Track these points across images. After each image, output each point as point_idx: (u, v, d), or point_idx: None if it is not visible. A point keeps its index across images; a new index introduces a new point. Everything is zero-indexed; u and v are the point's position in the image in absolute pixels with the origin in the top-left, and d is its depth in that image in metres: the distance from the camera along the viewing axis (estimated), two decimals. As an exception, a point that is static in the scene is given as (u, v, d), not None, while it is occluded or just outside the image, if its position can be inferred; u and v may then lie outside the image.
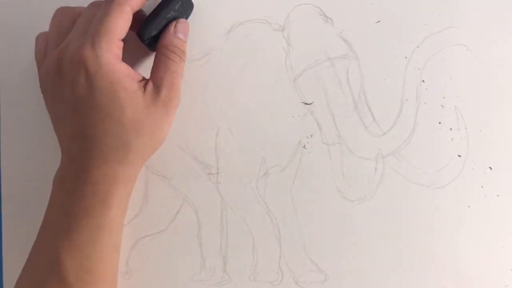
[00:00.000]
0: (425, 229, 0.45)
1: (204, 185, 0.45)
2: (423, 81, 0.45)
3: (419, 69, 0.45)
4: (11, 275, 0.45)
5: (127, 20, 0.39)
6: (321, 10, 0.46)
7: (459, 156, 0.45)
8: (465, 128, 0.45)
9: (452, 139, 0.45)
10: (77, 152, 0.38)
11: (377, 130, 0.45)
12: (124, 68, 0.38)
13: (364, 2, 0.46)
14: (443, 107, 0.45)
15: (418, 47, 0.45)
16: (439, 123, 0.45)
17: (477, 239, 0.45)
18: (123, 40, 0.39)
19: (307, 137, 0.45)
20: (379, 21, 0.46)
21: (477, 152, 0.45)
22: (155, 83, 0.39)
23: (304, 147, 0.45)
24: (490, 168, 0.45)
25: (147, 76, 0.41)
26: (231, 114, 0.45)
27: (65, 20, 0.41)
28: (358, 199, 0.45)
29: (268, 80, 0.45)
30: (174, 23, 0.42)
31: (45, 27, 0.44)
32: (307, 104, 0.46)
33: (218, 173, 0.45)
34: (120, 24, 0.38)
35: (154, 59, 0.41)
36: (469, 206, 0.45)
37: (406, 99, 0.45)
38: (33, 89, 0.45)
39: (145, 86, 0.39)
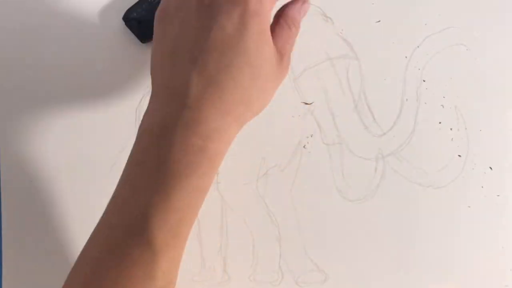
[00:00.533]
0: (425, 229, 0.45)
1: (204, 185, 0.45)
2: (423, 81, 0.45)
3: (419, 69, 0.45)
4: (11, 275, 0.45)
5: None
6: (321, 10, 0.46)
7: (459, 156, 0.45)
8: (465, 128, 0.45)
9: (452, 139, 0.45)
10: (194, 96, 0.32)
11: (377, 130, 0.45)
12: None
13: (364, 2, 0.45)
14: (443, 107, 0.45)
15: (418, 47, 0.45)
16: (439, 123, 0.45)
17: (477, 239, 0.45)
18: None
19: (307, 137, 0.45)
20: (379, 21, 0.46)
21: (477, 152, 0.45)
22: (278, 49, 0.36)
23: (304, 147, 0.45)
24: (490, 168, 0.45)
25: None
26: (231, 114, 0.45)
27: None
28: (358, 199, 0.45)
29: (268, 80, 0.45)
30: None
31: (45, 27, 0.45)
32: (307, 104, 0.46)
33: (218, 173, 0.45)
34: None
35: (274, 26, 0.37)
36: (469, 206, 0.45)
37: (406, 99, 0.45)
38: (33, 88, 0.45)
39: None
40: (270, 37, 0.35)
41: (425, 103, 0.45)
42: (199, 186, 0.33)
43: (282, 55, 0.36)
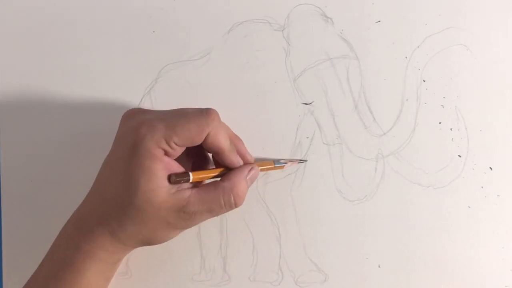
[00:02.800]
0: (425, 229, 0.45)
1: (204, 185, 0.45)
2: (424, 81, 0.45)
3: (419, 69, 0.45)
4: (11, 275, 0.45)
5: (198, 136, 0.37)
6: (321, 10, 0.46)
7: (459, 156, 0.45)
8: (465, 128, 0.45)
9: (452, 139, 0.45)
10: (84, 202, 0.39)
11: (377, 130, 0.45)
12: (165, 162, 0.37)
13: (364, 2, 0.46)
14: (443, 107, 0.45)
15: (418, 47, 0.45)
16: (439, 123, 0.45)
17: (477, 239, 0.45)
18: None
19: (307, 137, 0.45)
20: (379, 21, 0.46)
21: (477, 152, 0.45)
22: (190, 200, 0.38)
23: (304, 147, 0.45)
24: (490, 168, 0.45)
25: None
26: (231, 114, 0.45)
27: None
28: (358, 199, 0.45)
29: (268, 80, 0.45)
30: (249, 166, 0.40)
31: (45, 27, 0.45)
32: (307, 104, 0.46)
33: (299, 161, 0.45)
34: (189, 135, 0.37)
35: (213, 182, 0.39)
36: (469, 206, 0.45)
37: (406, 99, 0.45)
38: (33, 88, 0.45)
39: (180, 192, 0.37)
40: (155, 173, 0.36)
41: (425, 103, 0.45)
42: (68, 279, 0.38)
43: (187, 207, 0.38)
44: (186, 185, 0.38)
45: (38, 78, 0.45)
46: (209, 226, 0.45)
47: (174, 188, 0.37)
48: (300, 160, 0.45)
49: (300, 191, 0.45)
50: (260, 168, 0.41)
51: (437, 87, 0.45)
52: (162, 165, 0.36)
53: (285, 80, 0.45)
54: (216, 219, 0.45)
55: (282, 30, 0.46)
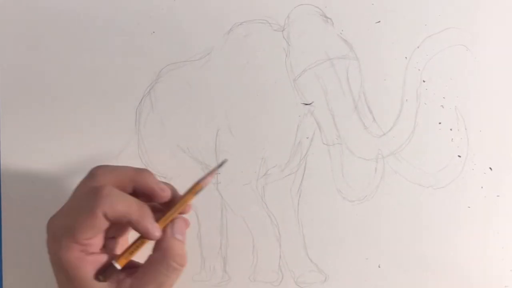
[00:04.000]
0: (425, 229, 0.45)
1: (204, 185, 0.45)
2: (423, 81, 0.45)
3: (419, 70, 0.45)
4: (11, 275, 0.45)
5: (97, 222, 0.34)
6: (321, 10, 0.46)
7: (459, 156, 0.45)
8: (465, 129, 0.45)
9: (452, 139, 0.45)
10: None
11: (377, 130, 0.45)
12: (89, 264, 0.35)
13: (364, 2, 0.46)
14: (443, 107, 0.45)
15: (418, 47, 0.45)
16: (439, 123, 0.45)
17: (477, 240, 0.45)
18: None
19: (307, 137, 0.45)
20: (379, 21, 0.46)
21: (477, 153, 0.45)
22: (132, 287, 0.36)
23: (304, 147, 0.45)
24: (490, 168, 0.45)
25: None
26: (231, 114, 0.45)
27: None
28: (358, 199, 0.45)
29: (268, 80, 0.45)
30: (171, 223, 0.38)
31: (44, 27, 0.44)
32: (307, 104, 0.46)
33: (218, 173, 0.45)
34: (88, 226, 0.34)
35: (147, 259, 0.37)
36: (469, 207, 0.45)
37: (406, 100, 0.45)
38: (33, 88, 0.45)
39: (120, 286, 0.36)
40: (85, 280, 0.35)
41: (425, 103, 0.45)
42: None
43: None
44: (121, 274, 0.36)
45: (38, 78, 0.45)
46: (209, 226, 0.45)
47: (114, 283, 0.36)
48: (219, 165, 0.41)
49: (300, 191, 0.45)
50: (180, 212, 0.38)
51: (437, 87, 0.45)
52: (93, 266, 0.35)
53: (285, 80, 0.45)
54: (216, 219, 0.45)
55: (282, 31, 0.46)
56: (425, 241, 0.45)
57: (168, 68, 0.46)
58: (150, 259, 0.37)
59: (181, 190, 0.45)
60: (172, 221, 0.38)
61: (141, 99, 0.45)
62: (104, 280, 0.36)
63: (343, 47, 0.46)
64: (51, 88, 0.45)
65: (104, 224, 0.35)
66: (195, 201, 0.45)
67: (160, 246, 0.37)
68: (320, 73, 0.46)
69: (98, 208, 0.34)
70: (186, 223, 0.39)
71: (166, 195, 0.38)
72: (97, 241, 0.36)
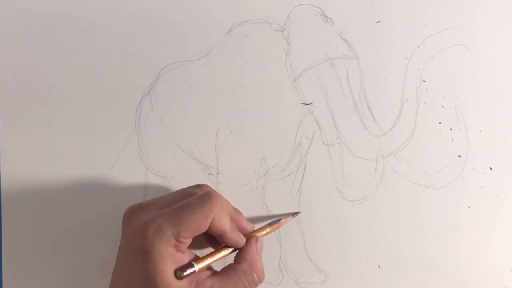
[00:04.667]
0: (425, 229, 0.45)
1: (204, 185, 0.45)
2: (423, 81, 0.45)
3: (419, 69, 0.45)
4: (11, 275, 0.45)
5: (204, 224, 0.37)
6: (321, 10, 0.46)
7: (459, 156, 0.45)
8: (465, 129, 0.45)
9: (452, 139, 0.45)
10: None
11: (377, 130, 0.45)
12: (177, 261, 0.37)
13: (364, 2, 0.45)
14: (443, 107, 0.45)
15: (418, 47, 0.45)
16: (439, 123, 0.45)
17: (477, 240, 0.45)
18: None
19: (307, 137, 0.45)
20: (379, 21, 0.46)
21: (477, 153, 0.45)
22: None
23: (304, 147, 0.45)
24: (490, 168, 0.45)
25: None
26: (231, 114, 0.45)
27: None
28: (358, 199, 0.45)
29: (268, 80, 0.45)
30: (254, 238, 0.41)
31: (44, 27, 0.44)
32: (307, 104, 0.46)
33: (218, 173, 0.45)
34: (196, 226, 0.37)
35: (230, 266, 0.40)
36: (469, 207, 0.45)
37: (406, 99, 0.45)
38: (33, 89, 0.45)
39: (200, 285, 0.38)
40: (167, 276, 0.36)
41: (425, 103, 0.45)
42: None
43: None
44: (204, 274, 0.38)
45: (38, 79, 0.45)
46: (209, 226, 0.45)
47: (193, 282, 0.37)
48: (294, 213, 0.45)
49: (300, 191, 0.45)
50: (262, 235, 0.42)
51: (437, 87, 0.45)
52: (176, 264, 0.37)
53: (285, 80, 0.45)
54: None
55: (282, 30, 0.46)
56: (425, 241, 0.45)
57: (168, 68, 0.46)
58: (235, 267, 0.39)
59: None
60: (256, 237, 0.41)
61: (141, 99, 0.45)
62: (182, 277, 0.37)
63: (343, 47, 0.46)
64: (51, 88, 0.45)
65: (206, 228, 0.37)
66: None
67: (245, 258, 0.40)
68: (320, 73, 0.46)
69: (212, 213, 0.37)
70: (263, 244, 0.42)
71: (250, 229, 0.42)
72: (189, 241, 0.38)
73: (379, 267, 0.45)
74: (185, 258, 0.38)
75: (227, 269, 0.39)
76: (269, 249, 0.45)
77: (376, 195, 0.45)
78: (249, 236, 0.41)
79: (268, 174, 0.45)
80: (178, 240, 0.36)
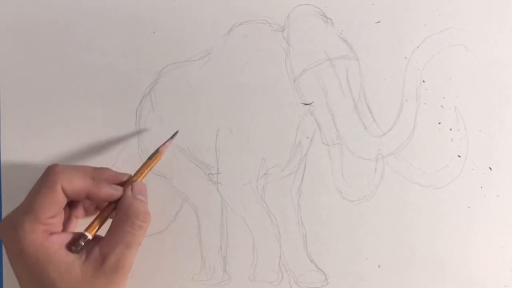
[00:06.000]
0: (425, 229, 0.45)
1: (204, 185, 0.45)
2: (423, 81, 0.45)
3: (419, 70, 0.45)
4: (11, 275, 0.45)
5: (56, 197, 0.36)
6: (321, 11, 0.46)
7: (459, 156, 0.45)
8: (465, 129, 0.45)
9: (452, 139, 0.45)
10: None
11: (377, 130, 0.45)
12: (55, 241, 0.36)
13: (364, 2, 0.46)
14: (443, 107, 0.45)
15: (418, 47, 0.45)
16: (439, 123, 0.45)
17: (477, 239, 0.45)
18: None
19: (307, 137, 0.45)
20: (379, 21, 0.46)
21: (477, 153, 0.45)
22: (102, 252, 0.37)
23: (304, 147, 0.45)
24: (490, 168, 0.45)
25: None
26: (231, 114, 0.45)
27: None
28: (358, 199, 0.45)
29: (268, 80, 0.45)
30: (129, 186, 0.40)
31: (44, 27, 0.44)
32: (307, 104, 0.46)
33: (218, 173, 0.45)
34: (47, 202, 0.36)
35: (111, 223, 0.39)
36: (469, 207, 0.45)
37: (406, 100, 0.45)
38: (33, 89, 0.45)
39: (89, 254, 0.37)
40: (58, 254, 0.36)
41: (425, 103, 0.45)
42: None
43: (104, 258, 0.37)
44: (91, 243, 0.37)
45: (38, 78, 0.45)
46: (209, 226, 0.45)
47: (83, 255, 0.37)
48: (172, 136, 0.43)
49: (300, 191, 0.45)
50: (139, 178, 0.41)
51: (436, 87, 0.46)
52: (56, 245, 0.36)
53: (285, 80, 0.45)
54: (216, 219, 0.45)
55: (282, 31, 0.46)
56: (425, 241, 0.45)
57: (168, 68, 0.46)
58: (114, 221, 0.38)
59: (182, 190, 0.46)
60: (131, 183, 0.40)
61: (141, 99, 0.45)
62: (78, 251, 0.36)
63: (343, 47, 0.46)
64: (51, 88, 0.45)
65: (64, 200, 0.37)
66: (196, 201, 0.45)
67: (120, 208, 0.38)
68: (320, 73, 0.46)
69: (57, 183, 0.36)
70: (145, 186, 0.40)
71: (124, 177, 0.41)
72: (58, 220, 0.37)
73: (379, 267, 0.45)
74: (66, 236, 0.37)
75: (110, 227, 0.38)
76: (269, 249, 0.45)
77: (376, 195, 0.45)
78: (128, 184, 0.40)
79: (268, 174, 0.45)
80: (41, 223, 0.36)
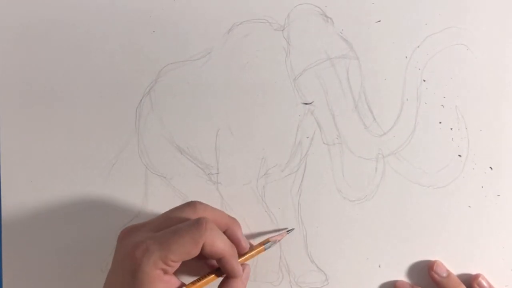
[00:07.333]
0: (425, 229, 0.45)
1: (204, 185, 0.45)
2: (424, 80, 0.45)
3: (419, 69, 0.45)
4: (11, 275, 0.45)
5: (194, 249, 0.37)
6: (321, 10, 0.46)
7: (459, 156, 0.45)
8: (466, 128, 0.45)
9: (452, 139, 0.45)
10: None
11: (378, 130, 0.45)
12: (166, 282, 0.37)
13: (364, 2, 0.45)
14: (443, 107, 0.45)
15: (418, 47, 0.45)
16: (440, 123, 0.45)
17: (477, 239, 0.45)
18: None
19: (307, 137, 0.45)
20: (379, 21, 0.46)
21: (478, 152, 0.45)
22: None
23: (304, 147, 0.45)
24: (491, 168, 0.45)
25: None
26: (231, 114, 0.45)
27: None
28: (358, 199, 0.45)
29: (268, 80, 0.45)
30: (244, 268, 0.42)
31: (44, 27, 0.44)
32: (307, 103, 0.45)
33: (218, 173, 0.45)
34: (184, 250, 0.37)
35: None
36: (469, 206, 0.45)
37: (407, 99, 0.45)
38: (33, 89, 0.45)
39: None
40: None
41: (425, 103, 0.45)
42: None
43: None
44: None
45: (38, 78, 0.45)
46: (209, 226, 0.45)
47: None
48: (288, 230, 0.45)
49: (300, 191, 0.45)
50: (253, 255, 0.43)
51: (437, 87, 0.45)
52: (163, 285, 0.37)
53: (285, 80, 0.45)
54: (216, 219, 0.45)
55: (282, 30, 0.46)
56: (425, 241, 0.45)
57: (168, 68, 0.46)
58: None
59: (181, 190, 0.46)
60: (244, 266, 0.42)
61: (141, 99, 0.45)
62: None
63: (343, 46, 0.46)
64: (51, 88, 0.45)
65: (196, 253, 0.37)
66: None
67: (230, 285, 0.40)
68: (320, 73, 0.45)
69: (201, 239, 0.37)
70: (249, 272, 0.43)
71: (246, 247, 0.42)
72: (177, 265, 0.38)
73: (379, 267, 0.45)
74: (173, 281, 0.38)
75: None
76: (269, 249, 0.45)
77: (376, 195, 0.45)
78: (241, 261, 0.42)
79: (268, 174, 0.45)
80: (166, 263, 0.36)
